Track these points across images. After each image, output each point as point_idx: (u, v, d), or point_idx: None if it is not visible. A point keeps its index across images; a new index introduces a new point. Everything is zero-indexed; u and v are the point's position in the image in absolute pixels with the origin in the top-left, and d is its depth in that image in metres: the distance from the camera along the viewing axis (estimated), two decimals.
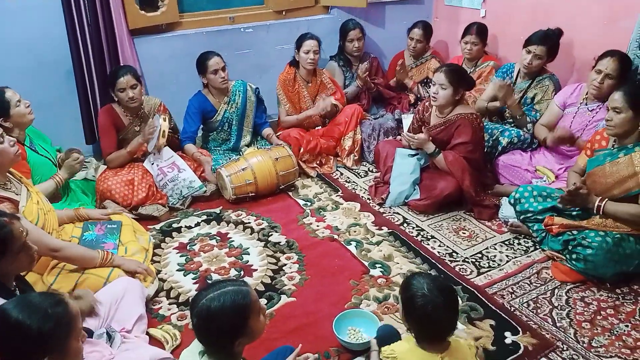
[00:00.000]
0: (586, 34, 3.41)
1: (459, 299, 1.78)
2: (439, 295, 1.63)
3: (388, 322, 2.29)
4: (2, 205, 2.11)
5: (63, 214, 2.62)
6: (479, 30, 3.81)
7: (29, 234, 1.82)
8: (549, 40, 3.29)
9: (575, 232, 2.58)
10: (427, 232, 3.02)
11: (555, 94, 3.33)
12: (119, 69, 3.24)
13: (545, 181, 3.14)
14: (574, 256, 2.54)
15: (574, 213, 2.68)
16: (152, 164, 3.32)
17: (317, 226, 3.10)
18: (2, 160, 2.22)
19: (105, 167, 3.35)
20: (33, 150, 2.87)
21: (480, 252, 2.83)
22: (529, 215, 2.81)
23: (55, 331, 1.31)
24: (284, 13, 4.22)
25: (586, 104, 3.11)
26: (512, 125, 3.51)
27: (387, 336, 1.95)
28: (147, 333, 2.21)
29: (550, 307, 2.41)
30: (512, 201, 2.89)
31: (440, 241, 2.94)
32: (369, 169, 3.83)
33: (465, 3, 4.29)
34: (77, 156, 2.96)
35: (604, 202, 2.49)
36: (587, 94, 3.09)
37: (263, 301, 2.46)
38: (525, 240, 2.91)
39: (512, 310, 2.39)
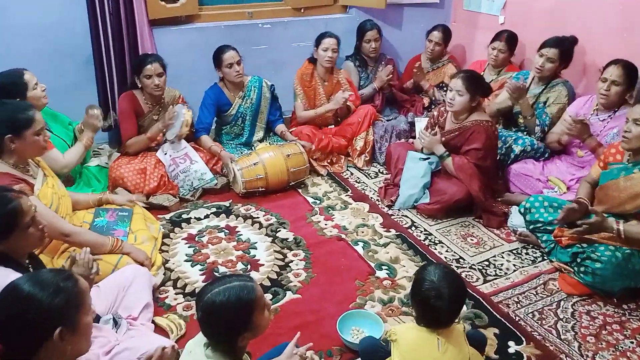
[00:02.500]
0: (603, 43, 3.39)
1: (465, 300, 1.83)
2: (445, 286, 1.70)
3: (391, 325, 2.30)
4: (19, 186, 2.14)
5: (89, 198, 2.70)
6: (509, 38, 3.80)
7: (41, 216, 1.85)
8: (561, 44, 3.34)
9: (584, 244, 2.56)
10: (435, 237, 3.02)
11: (569, 100, 3.36)
12: (148, 56, 3.28)
13: (556, 192, 3.13)
14: (582, 269, 2.53)
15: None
16: (165, 154, 3.34)
17: (325, 225, 3.11)
18: (30, 151, 2.31)
19: (119, 154, 3.38)
20: (47, 130, 2.90)
21: (487, 260, 2.83)
22: (538, 225, 2.80)
23: (66, 304, 1.34)
24: (302, 10, 4.22)
25: (597, 115, 3.13)
26: (525, 132, 3.49)
27: (370, 350, 1.97)
28: (153, 321, 2.23)
29: (556, 319, 2.40)
30: (522, 210, 2.88)
31: (448, 246, 2.94)
32: (379, 170, 3.83)
33: (484, 9, 4.27)
34: (93, 112, 3.01)
35: (622, 226, 2.39)
36: (597, 105, 3.11)
37: (268, 296, 2.48)
38: (534, 250, 2.90)
39: (516, 319, 2.39)
